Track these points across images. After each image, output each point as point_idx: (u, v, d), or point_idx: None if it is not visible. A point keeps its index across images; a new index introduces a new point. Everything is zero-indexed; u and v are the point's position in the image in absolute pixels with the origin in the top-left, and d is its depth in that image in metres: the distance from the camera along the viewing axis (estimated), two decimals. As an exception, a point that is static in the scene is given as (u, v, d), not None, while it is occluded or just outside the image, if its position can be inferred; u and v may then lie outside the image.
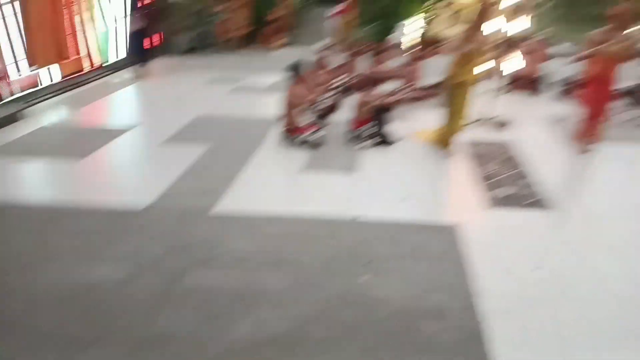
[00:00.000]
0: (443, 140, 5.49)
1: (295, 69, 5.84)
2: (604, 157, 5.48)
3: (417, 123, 6.60)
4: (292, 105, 5.78)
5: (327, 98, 7.06)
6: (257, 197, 4.55)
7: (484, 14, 5.15)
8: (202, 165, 5.26)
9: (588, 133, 5.54)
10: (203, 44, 12.92)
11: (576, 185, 5.04)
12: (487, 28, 5.67)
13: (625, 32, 5.09)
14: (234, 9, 12.90)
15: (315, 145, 5.70)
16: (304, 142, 5.72)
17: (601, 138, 5.54)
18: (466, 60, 5.14)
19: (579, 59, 5.70)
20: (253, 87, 9.01)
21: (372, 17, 13.44)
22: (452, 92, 5.33)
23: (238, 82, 9.33)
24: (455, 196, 4.79)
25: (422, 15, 13.85)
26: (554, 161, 5.47)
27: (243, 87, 9.06)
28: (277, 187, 4.90)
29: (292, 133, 5.80)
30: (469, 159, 5.44)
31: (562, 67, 7.89)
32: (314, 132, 5.76)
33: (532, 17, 12.26)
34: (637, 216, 4.25)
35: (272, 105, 6.74)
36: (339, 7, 12.60)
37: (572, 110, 6.25)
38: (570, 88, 7.62)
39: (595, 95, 5.40)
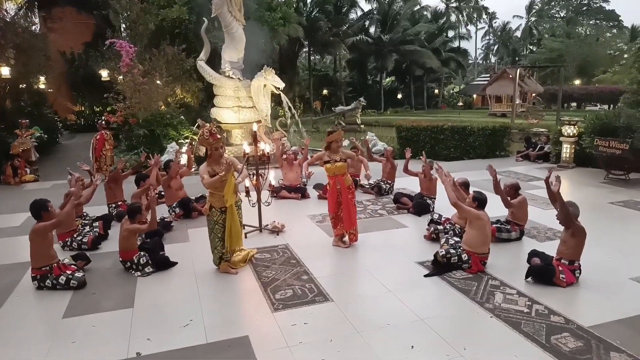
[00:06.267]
0: (222, 257, 5.42)
1: (37, 208, 5.14)
2: (363, 245, 6.25)
3: (196, 244, 6.45)
4: (40, 244, 5.03)
5: (89, 230, 6.44)
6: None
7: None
8: None
9: (342, 229, 6.26)
10: None
11: (345, 274, 5.50)
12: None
13: (336, 154, 6.08)
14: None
15: (78, 286, 5.01)
16: (63, 285, 4.98)
17: (354, 231, 6.27)
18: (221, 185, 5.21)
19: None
20: (-4, 231, 7.56)
21: (132, 145, 13.19)
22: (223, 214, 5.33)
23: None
24: (242, 308, 4.69)
25: (188, 137, 14.22)
26: (324, 256, 5.95)
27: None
28: (36, 342, 4.02)
29: (46, 276, 5.02)
30: (252, 268, 5.52)
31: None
32: (72, 273, 5.09)
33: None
34: (401, 289, 4.85)
35: (22, 247, 5.82)
36: (96, 137, 12.06)
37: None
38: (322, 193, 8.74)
39: (331, 200, 6.24)
